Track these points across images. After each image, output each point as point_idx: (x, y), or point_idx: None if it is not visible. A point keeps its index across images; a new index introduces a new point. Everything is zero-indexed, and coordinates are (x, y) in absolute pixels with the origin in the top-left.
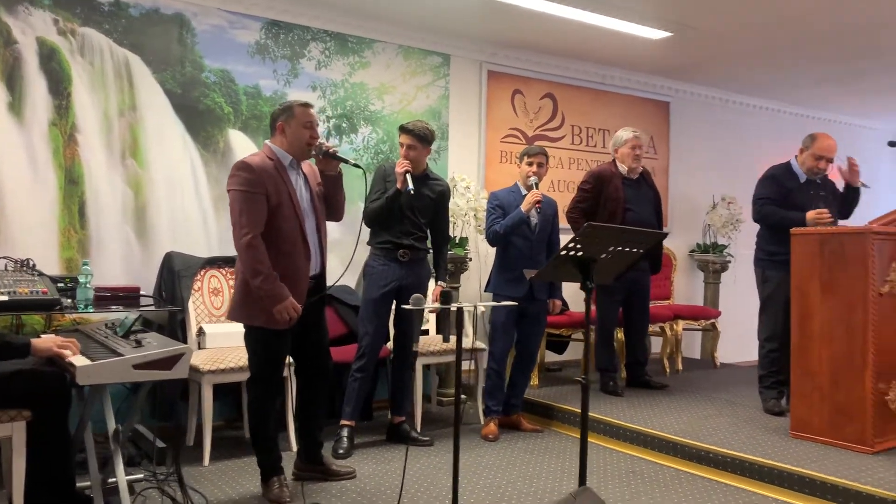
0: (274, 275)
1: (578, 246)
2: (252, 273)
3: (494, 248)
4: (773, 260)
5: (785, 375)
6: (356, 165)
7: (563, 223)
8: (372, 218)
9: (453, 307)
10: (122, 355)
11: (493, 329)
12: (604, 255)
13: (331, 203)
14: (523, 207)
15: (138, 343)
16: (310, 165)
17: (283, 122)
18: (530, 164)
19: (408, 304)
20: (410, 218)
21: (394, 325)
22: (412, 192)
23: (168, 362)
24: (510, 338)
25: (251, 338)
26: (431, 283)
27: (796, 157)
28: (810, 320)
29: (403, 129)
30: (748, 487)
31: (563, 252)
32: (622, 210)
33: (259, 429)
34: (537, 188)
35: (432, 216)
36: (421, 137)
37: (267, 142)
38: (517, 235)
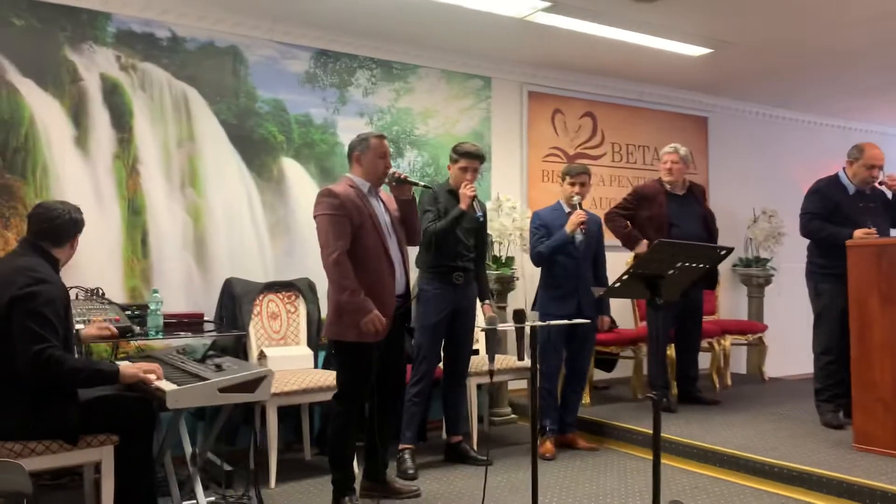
0: (359, 289)
1: (649, 263)
2: (339, 288)
3: (539, 268)
4: (824, 273)
5: (842, 388)
6: (427, 187)
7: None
8: (438, 239)
9: (527, 325)
10: (206, 379)
11: (543, 348)
12: (671, 272)
13: (408, 226)
14: (567, 228)
15: (218, 367)
16: (386, 193)
17: (359, 152)
18: (573, 185)
19: (462, 326)
20: (462, 240)
21: (445, 346)
22: (481, 218)
23: (251, 385)
24: (560, 356)
25: (340, 352)
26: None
27: (844, 169)
28: (870, 331)
29: (471, 155)
30: (816, 502)
31: (634, 269)
32: (667, 226)
33: (339, 446)
34: (581, 208)
35: (476, 235)
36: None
37: (346, 173)
38: (562, 254)
